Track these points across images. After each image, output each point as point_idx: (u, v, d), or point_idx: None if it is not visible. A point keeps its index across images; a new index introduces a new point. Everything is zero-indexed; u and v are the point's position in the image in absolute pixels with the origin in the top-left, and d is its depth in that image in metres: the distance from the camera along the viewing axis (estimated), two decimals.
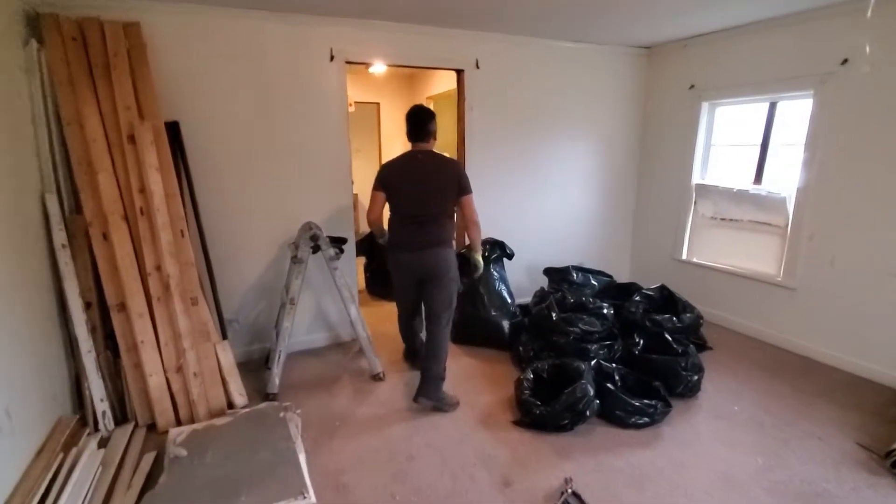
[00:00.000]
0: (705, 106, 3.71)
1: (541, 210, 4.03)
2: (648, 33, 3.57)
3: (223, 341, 2.68)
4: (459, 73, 3.51)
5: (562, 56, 3.76)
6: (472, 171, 3.59)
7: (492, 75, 3.55)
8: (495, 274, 3.44)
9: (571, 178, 4.08)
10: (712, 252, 3.82)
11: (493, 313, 3.33)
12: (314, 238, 2.64)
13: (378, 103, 5.30)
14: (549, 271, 3.69)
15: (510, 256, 3.62)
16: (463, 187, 2.53)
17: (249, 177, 3.00)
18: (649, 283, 3.76)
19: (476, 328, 3.38)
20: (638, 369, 2.82)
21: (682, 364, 2.70)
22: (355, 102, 5.04)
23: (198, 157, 2.82)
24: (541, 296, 3.61)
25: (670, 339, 2.96)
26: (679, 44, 3.80)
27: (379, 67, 4.14)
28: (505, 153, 3.77)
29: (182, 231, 2.56)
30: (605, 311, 3.03)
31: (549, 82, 3.77)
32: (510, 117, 3.71)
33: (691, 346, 2.89)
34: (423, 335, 2.80)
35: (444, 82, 4.56)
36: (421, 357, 2.71)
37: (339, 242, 2.86)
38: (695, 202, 3.89)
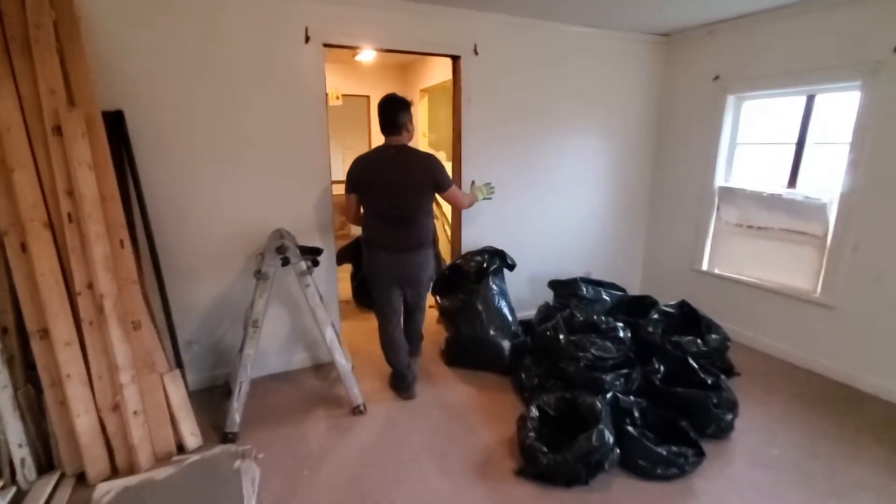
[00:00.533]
0: (731, 99, 3.31)
1: (545, 215, 3.62)
2: (668, 18, 3.17)
3: (173, 371, 2.27)
4: (455, 59, 3.09)
5: (571, 43, 3.35)
6: (469, 171, 3.20)
7: (492, 63, 3.14)
8: (494, 288, 3.04)
9: (579, 180, 3.68)
10: (737, 263, 3.42)
11: (492, 333, 2.93)
12: (282, 249, 2.23)
13: (368, 96, 4.89)
14: (554, 284, 3.29)
15: (511, 267, 3.22)
16: (439, 182, 2.41)
17: (211, 177, 2.58)
18: (663, 296, 3.39)
19: (472, 350, 2.97)
20: (660, 402, 2.42)
21: (714, 400, 2.31)
22: (342, 95, 4.63)
23: (147, 153, 2.41)
24: (545, 312, 3.21)
25: (695, 365, 2.57)
26: (702, 30, 3.39)
27: (367, 55, 3.73)
28: (506, 151, 3.36)
29: (122, 241, 2.15)
30: (620, 333, 2.63)
31: (556, 72, 3.37)
32: (512, 111, 3.30)
33: (722, 376, 2.49)
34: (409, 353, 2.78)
35: (440, 72, 4.15)
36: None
37: (312, 253, 2.45)
38: (717, 207, 3.49)
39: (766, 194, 3.14)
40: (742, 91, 3.24)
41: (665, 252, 3.93)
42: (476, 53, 3.06)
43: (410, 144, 2.50)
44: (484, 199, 2.95)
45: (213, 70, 2.48)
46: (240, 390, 2.29)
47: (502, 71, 3.19)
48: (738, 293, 3.38)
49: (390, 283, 2.55)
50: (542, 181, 3.54)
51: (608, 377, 2.44)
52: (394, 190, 2.37)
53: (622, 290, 3.36)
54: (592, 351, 2.54)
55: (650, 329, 2.93)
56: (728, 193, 3.41)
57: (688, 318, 3.06)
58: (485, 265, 3.09)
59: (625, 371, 2.52)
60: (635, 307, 3.30)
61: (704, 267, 3.59)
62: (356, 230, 3.04)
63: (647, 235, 4.08)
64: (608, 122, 3.66)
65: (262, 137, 2.65)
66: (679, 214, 3.77)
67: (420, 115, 4.60)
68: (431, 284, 2.84)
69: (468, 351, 2.99)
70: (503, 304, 3.02)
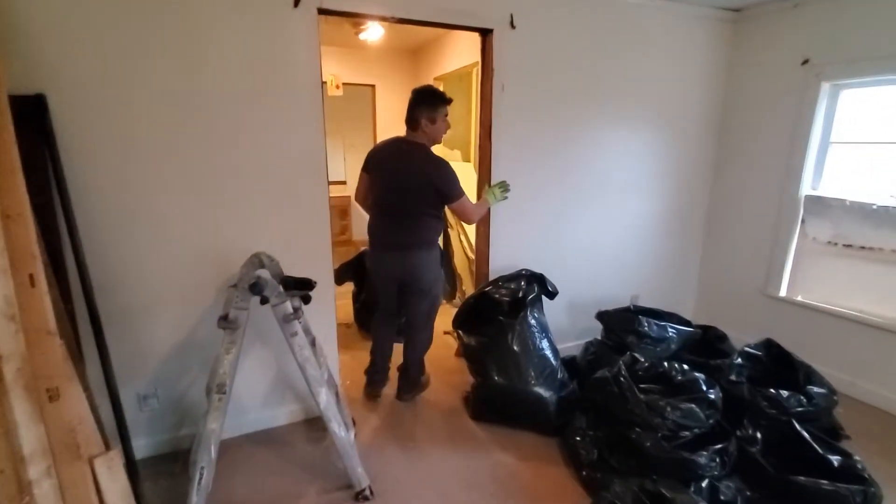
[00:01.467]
0: (825, 88, 2.67)
1: (588, 227, 2.99)
2: None
3: (110, 453, 1.65)
4: (486, 35, 2.46)
5: (625, 17, 2.71)
6: (502, 176, 2.56)
7: (531, 40, 2.50)
8: (533, 323, 2.41)
9: (628, 184, 3.04)
10: (829, 290, 2.79)
11: (533, 382, 2.30)
12: (257, 287, 1.60)
13: (373, 86, 4.25)
14: (605, 317, 2.66)
15: (552, 295, 2.59)
16: (445, 194, 2.21)
17: (169, 183, 1.95)
18: (725, 326, 2.79)
19: (507, 403, 2.35)
20: (767, 489, 1.81)
21: (858, 500, 1.68)
22: (343, 84, 4.00)
23: (80, 151, 1.78)
24: (596, 352, 2.60)
25: (806, 435, 1.95)
26: (786, 2, 2.75)
27: (373, 32, 3.10)
28: (545, 151, 2.73)
29: (33, 276, 1.52)
30: (709, 393, 2.00)
31: (605, 53, 2.73)
32: (553, 101, 2.67)
33: (855, 458, 1.86)
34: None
35: (456, 57, 3.52)
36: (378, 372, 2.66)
37: (301, 288, 1.82)
38: (802, 220, 2.85)
39: (876, 207, 2.51)
40: (840, 77, 2.60)
41: (727, 272, 3.30)
42: (513, 27, 2.43)
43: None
44: (498, 202, 2.46)
45: (171, 41, 1.85)
46: (201, 478, 1.67)
47: (544, 50, 2.55)
48: (829, 327, 2.75)
49: (387, 283, 2.46)
50: (586, 186, 2.90)
51: (702, 458, 1.81)
52: (394, 186, 2.26)
53: (688, 322, 2.72)
54: (672, 416, 1.92)
55: (733, 378, 2.31)
56: (818, 204, 2.77)
57: (777, 363, 2.43)
58: (521, 294, 2.46)
59: (719, 446, 1.89)
60: (703, 345, 2.68)
61: (782, 293, 2.96)
62: (357, 236, 2.48)
63: (705, 251, 3.44)
64: (662, 116, 3.02)
65: (238, 132, 2.02)
66: (747, 228, 3.13)
67: None
68: (437, 302, 2.51)
69: (501, 404, 2.37)
70: (545, 344, 2.40)
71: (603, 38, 2.69)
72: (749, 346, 2.46)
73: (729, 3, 2.87)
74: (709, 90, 3.12)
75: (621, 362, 2.19)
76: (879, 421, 2.49)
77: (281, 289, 1.67)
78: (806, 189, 2.81)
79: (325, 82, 3.92)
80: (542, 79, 2.59)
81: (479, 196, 2.63)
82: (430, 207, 2.25)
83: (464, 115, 4.54)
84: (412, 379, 2.61)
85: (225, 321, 1.62)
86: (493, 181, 2.59)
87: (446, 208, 2.31)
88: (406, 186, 2.21)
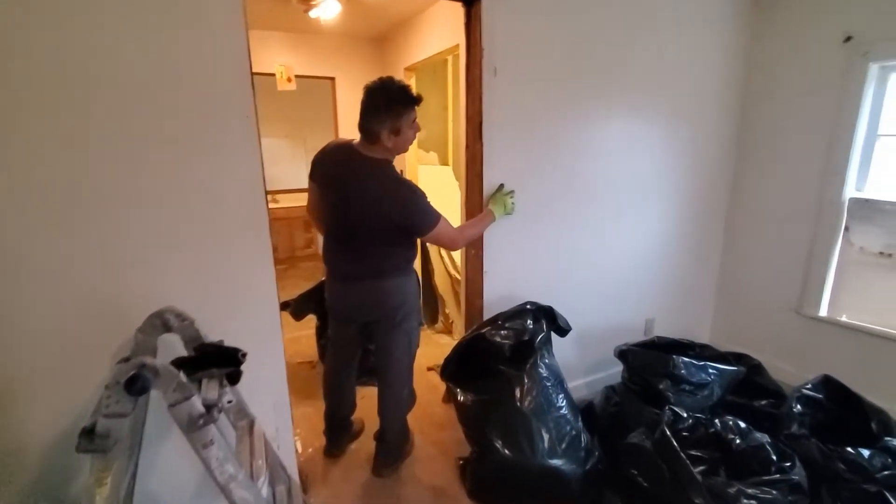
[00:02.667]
0: (874, 70, 2.24)
1: (597, 243, 2.48)
2: None
3: None
4: (471, 4, 1.91)
5: None
6: (494, 183, 2.02)
7: (529, 9, 1.97)
8: (545, 373, 1.88)
9: (644, 191, 2.55)
10: (881, 309, 2.37)
11: (549, 454, 1.77)
12: (138, 384, 1.00)
13: (333, 78, 3.64)
14: (628, 356, 2.14)
15: (564, 332, 2.07)
16: (410, 227, 1.69)
17: (32, 212, 1.32)
18: (753, 351, 2.37)
19: (516, 481, 1.80)
20: None
21: None
22: (297, 76, 3.38)
23: None
24: (620, 401, 2.09)
25: None
26: None
27: (327, 9, 2.50)
28: (547, 154, 2.20)
29: None
30: (791, 473, 1.51)
31: (618, 28, 2.23)
32: (559, 89, 2.14)
33: None
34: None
35: (431, 41, 2.96)
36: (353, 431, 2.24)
37: (222, 364, 1.22)
38: (846, 228, 2.43)
39: None
40: (892, 57, 2.18)
41: (751, 288, 2.86)
42: None
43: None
44: (507, 214, 2.00)
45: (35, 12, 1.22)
46: None
47: (544, 24, 2.02)
48: (882, 353, 2.33)
49: (345, 325, 1.97)
50: (594, 195, 2.39)
51: None
52: (342, 212, 1.73)
53: (723, 355, 2.24)
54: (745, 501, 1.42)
55: (794, 430, 1.84)
56: (866, 209, 2.35)
57: (839, 406, 1.99)
58: (527, 335, 1.92)
59: None
60: (741, 384, 2.21)
61: (822, 312, 2.53)
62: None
63: (724, 263, 3.00)
64: (679, 108, 2.55)
65: (133, 141, 1.40)
66: (775, 236, 2.70)
67: None
68: (415, 340, 1.95)
69: (509, 481, 1.82)
70: (562, 399, 1.87)
71: (612, 7, 2.19)
72: (805, 386, 2.01)
73: None
74: (730, 76, 2.67)
75: (664, 426, 1.68)
76: None
77: (182, 377, 1.07)
78: (850, 191, 2.38)
79: (274, 74, 3.30)
80: (544, 61, 2.07)
81: (475, 209, 2.08)
82: (392, 239, 1.74)
83: (439, 112, 3.98)
84: (392, 448, 2.05)
85: (89, 439, 1.01)
86: (486, 190, 2.05)
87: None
88: (357, 216, 1.70)
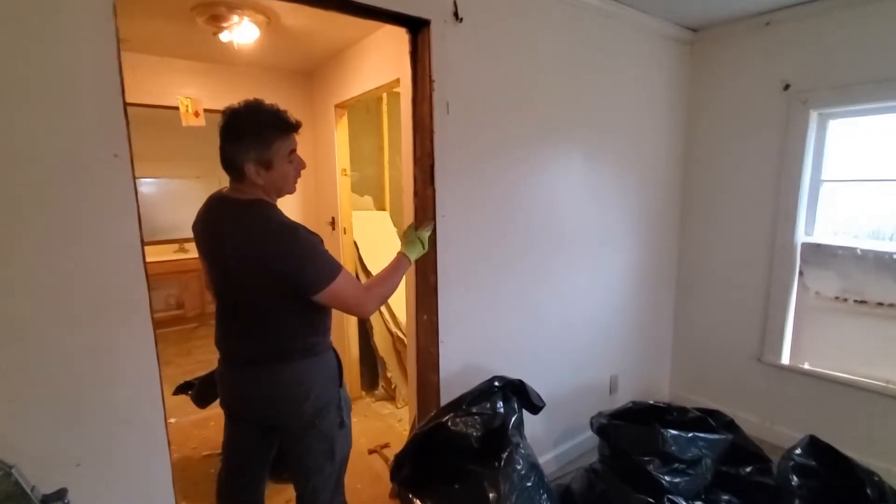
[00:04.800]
0: (814, 116, 2.27)
1: (557, 298, 2.23)
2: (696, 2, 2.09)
3: None
4: (418, 30, 1.64)
5: (590, 25, 2.10)
6: (447, 242, 1.70)
7: (483, 39, 1.74)
8: (521, 465, 1.52)
9: (597, 242, 2.37)
10: (843, 355, 2.31)
11: None
12: None
13: None
14: (609, 433, 1.84)
15: (537, 409, 1.75)
16: (299, 283, 1.24)
17: None
18: (716, 403, 2.28)
19: None
20: None
21: None
22: (208, 111, 2.92)
23: None
24: (605, 489, 1.77)
25: None
26: (755, 20, 2.36)
27: (243, 33, 2.11)
28: (505, 202, 1.94)
29: None
30: None
31: (573, 68, 2.07)
32: (518, 130, 1.91)
33: None
34: None
35: (365, 77, 2.67)
36: None
37: None
38: (800, 273, 2.39)
39: (895, 256, 2.09)
40: (829, 105, 2.22)
41: (709, 337, 2.75)
42: (458, 19, 1.64)
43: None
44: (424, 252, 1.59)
45: None
46: None
47: (499, 55, 1.80)
48: (848, 401, 2.26)
49: (236, 420, 1.46)
50: (554, 250, 2.15)
51: None
52: (224, 270, 1.32)
53: (714, 426, 2.00)
54: None
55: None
56: (818, 254, 2.33)
57: (828, 469, 1.82)
58: (497, 421, 1.57)
59: None
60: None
61: (784, 360, 2.44)
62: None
63: (677, 312, 2.88)
64: (631, 152, 2.44)
65: None
66: (727, 282, 2.63)
67: (338, 142, 3.04)
68: (342, 441, 1.43)
69: None
70: (546, 500, 1.51)
71: (568, 47, 2.03)
72: (795, 452, 1.83)
73: (683, 19, 2.43)
74: (672, 123, 2.63)
75: None
76: None
77: None
78: (801, 235, 2.36)
79: (178, 108, 2.81)
80: (497, 98, 1.83)
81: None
82: (287, 305, 1.29)
83: (374, 153, 3.67)
84: None
85: None
86: (442, 246, 1.72)
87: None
88: (237, 278, 1.29)
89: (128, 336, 1.19)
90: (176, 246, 4.62)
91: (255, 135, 1.23)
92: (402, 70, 2.00)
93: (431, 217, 1.69)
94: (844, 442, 1.86)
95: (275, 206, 1.31)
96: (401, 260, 1.49)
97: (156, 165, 4.64)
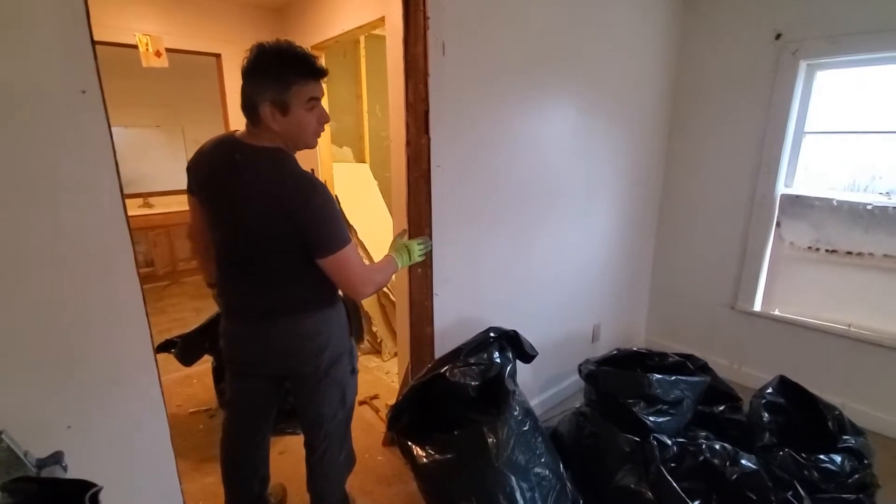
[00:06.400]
0: (803, 67, 2.27)
1: (548, 251, 2.24)
2: None
3: None
4: None
5: None
6: (444, 190, 1.66)
7: None
8: (517, 412, 1.57)
9: (587, 193, 2.36)
10: (811, 302, 2.44)
11: None
12: None
13: (219, 55, 2.93)
14: (596, 378, 1.92)
15: (530, 359, 1.79)
16: (314, 238, 1.19)
17: None
18: (690, 347, 2.52)
19: None
20: None
21: None
22: (170, 50, 2.67)
23: None
24: (594, 431, 1.85)
25: None
26: None
27: None
28: (499, 151, 1.88)
29: None
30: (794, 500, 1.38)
31: (562, 11, 1.97)
32: (512, 73, 1.82)
33: None
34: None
35: (343, 16, 2.48)
36: None
37: None
38: (777, 223, 2.47)
39: (871, 206, 2.18)
40: (820, 55, 2.21)
41: (685, 284, 2.85)
42: None
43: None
44: (413, 262, 1.53)
45: None
46: None
47: None
48: (813, 344, 2.41)
49: (246, 375, 1.44)
50: (544, 198, 2.13)
51: None
52: (237, 221, 1.23)
53: (693, 367, 2.11)
54: None
55: (766, 440, 1.77)
56: (796, 205, 2.40)
57: (796, 406, 1.97)
58: (493, 371, 1.60)
59: None
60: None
61: (756, 307, 2.57)
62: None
63: (656, 260, 2.96)
64: (620, 100, 2.40)
65: None
66: (707, 233, 2.70)
67: None
68: (349, 389, 1.47)
69: None
70: (541, 443, 1.57)
71: None
72: (766, 391, 1.96)
73: None
74: (661, 72, 2.58)
75: (658, 462, 1.47)
76: (879, 446, 2.18)
77: None
78: (781, 187, 2.42)
79: (136, 46, 2.55)
80: (492, 40, 1.73)
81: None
82: (306, 257, 1.23)
83: (352, 101, 3.49)
84: None
85: None
86: (435, 197, 1.67)
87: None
88: (253, 230, 1.22)
89: (113, 292, 1.12)
90: (140, 201, 4.36)
91: (274, 74, 1.14)
92: (389, 7, 1.86)
93: (426, 175, 1.62)
94: (808, 382, 1.99)
95: (295, 159, 1.23)
96: (389, 262, 1.42)
97: (112, 113, 4.30)
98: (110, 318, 1.13)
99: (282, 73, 1.14)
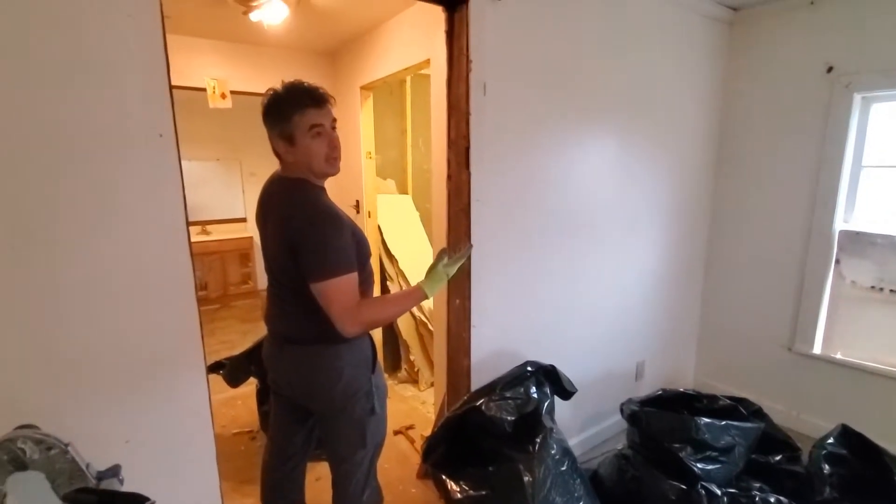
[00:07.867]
0: (857, 100, 2.19)
1: (590, 285, 2.21)
2: None
3: None
4: (455, 9, 1.60)
5: (630, 1, 2.04)
6: (481, 226, 1.69)
7: (522, 16, 1.69)
8: (556, 454, 1.53)
9: (631, 226, 2.33)
10: (878, 346, 2.27)
11: None
12: None
13: None
14: (640, 420, 1.84)
15: (569, 395, 1.75)
16: (303, 264, 1.20)
17: None
18: (742, 391, 2.38)
19: None
20: None
21: None
22: (234, 92, 2.91)
23: None
24: (636, 475, 1.77)
25: None
26: (798, 0, 2.26)
27: (272, 12, 2.08)
28: (539, 185, 1.91)
29: None
30: None
31: (609, 49, 2.01)
32: (552, 112, 1.87)
33: None
34: None
35: (389, 59, 2.64)
36: None
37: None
38: (836, 261, 2.33)
39: None
40: (873, 88, 2.13)
41: (737, 325, 2.71)
42: None
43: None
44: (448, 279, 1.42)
45: None
46: None
47: (536, 33, 1.75)
48: (882, 392, 2.22)
49: (279, 395, 1.47)
50: (587, 231, 2.13)
51: None
52: (265, 246, 1.38)
53: (745, 413, 1.99)
54: None
55: (827, 494, 1.63)
56: (856, 242, 2.27)
57: (860, 459, 1.80)
58: (531, 406, 1.58)
59: None
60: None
61: (816, 350, 2.41)
62: (265, 284, 1.44)
63: (705, 298, 2.85)
64: (668, 134, 2.38)
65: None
66: (759, 268, 2.58)
67: (362, 124, 3.02)
68: (372, 428, 1.39)
69: None
70: (579, 485, 1.52)
71: (602, 22, 1.97)
72: (827, 441, 1.81)
73: None
74: (708, 104, 2.55)
75: None
76: None
77: None
78: (839, 223, 2.30)
79: (205, 89, 2.81)
80: (534, 79, 1.79)
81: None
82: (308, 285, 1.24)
83: (397, 137, 3.64)
84: None
85: None
86: (474, 230, 1.71)
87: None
88: (270, 252, 1.35)
89: (173, 315, 1.21)
90: (199, 228, 4.66)
91: (276, 110, 1.25)
92: (434, 50, 1.97)
93: (465, 209, 1.67)
94: (872, 431, 1.83)
95: (315, 187, 1.30)
96: (415, 292, 1.35)
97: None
98: (170, 340, 1.21)
99: (282, 108, 1.23)
